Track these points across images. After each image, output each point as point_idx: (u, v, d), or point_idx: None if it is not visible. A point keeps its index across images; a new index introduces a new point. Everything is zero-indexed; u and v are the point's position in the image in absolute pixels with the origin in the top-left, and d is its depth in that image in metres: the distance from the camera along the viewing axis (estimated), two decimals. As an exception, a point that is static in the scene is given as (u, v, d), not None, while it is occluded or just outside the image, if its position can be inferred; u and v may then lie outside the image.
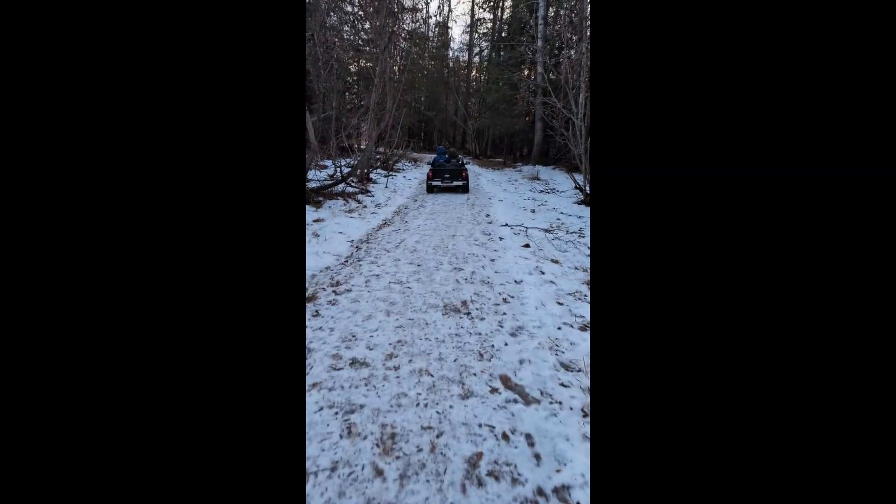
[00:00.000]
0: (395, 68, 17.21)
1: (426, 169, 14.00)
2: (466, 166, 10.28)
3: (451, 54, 26.13)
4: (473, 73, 25.72)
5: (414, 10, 19.19)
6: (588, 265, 4.14)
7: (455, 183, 9.31)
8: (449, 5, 27.12)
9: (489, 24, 22.77)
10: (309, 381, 2.00)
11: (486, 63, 22.85)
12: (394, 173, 11.39)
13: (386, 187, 9.02)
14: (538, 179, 11.83)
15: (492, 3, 21.85)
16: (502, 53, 16.64)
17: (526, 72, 15.92)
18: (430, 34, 24.49)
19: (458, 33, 33.00)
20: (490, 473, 1.48)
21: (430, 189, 9.50)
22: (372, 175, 9.97)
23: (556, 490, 1.42)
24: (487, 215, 6.60)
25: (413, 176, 11.80)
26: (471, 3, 24.02)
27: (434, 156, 11.02)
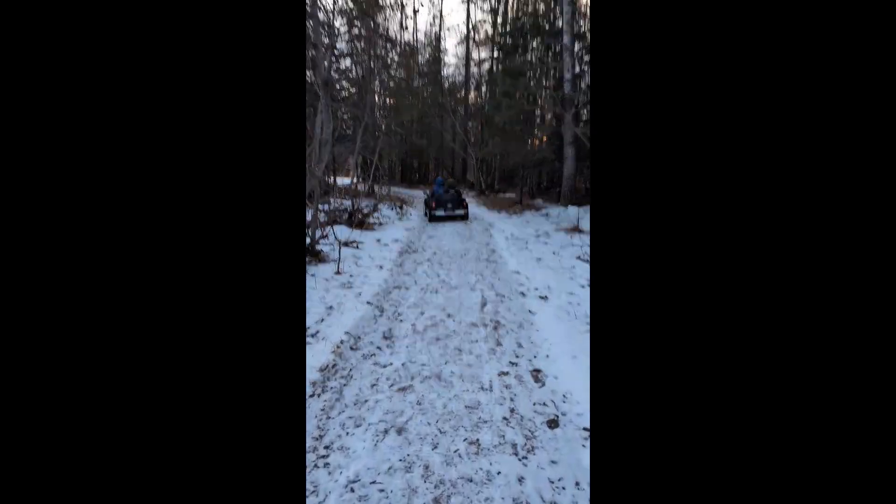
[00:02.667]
0: (374, 85, 13.96)
1: (416, 220, 10.45)
2: (469, 206, 11.03)
3: (445, 71, 23.06)
4: (472, 94, 22.57)
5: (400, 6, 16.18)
6: None
7: (457, 212, 10.21)
8: (441, 13, 24.15)
9: (489, 28, 19.65)
10: None
11: (486, 78, 19.60)
12: (361, 237, 7.71)
13: (337, 273, 5.32)
14: (581, 231, 8.16)
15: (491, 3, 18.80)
16: (507, 62, 13.35)
17: (534, 82, 12.58)
18: (419, 44, 21.49)
19: (451, 44, 30.21)
20: None
21: (433, 219, 10.23)
22: (323, 243, 6.29)
23: None
24: (538, 379, 2.85)
25: (394, 236, 8.12)
26: (466, 7, 21.03)
27: (434, 187, 11.60)
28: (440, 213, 10.06)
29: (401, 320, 3.86)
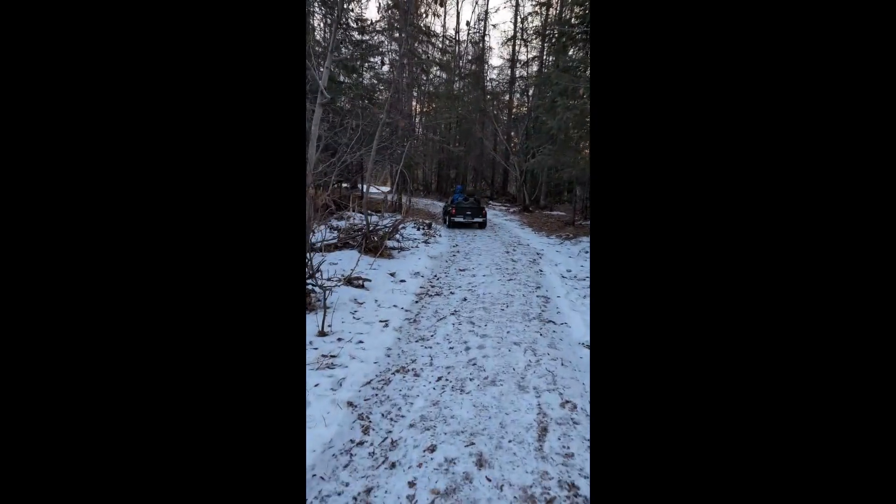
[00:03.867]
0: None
1: (445, 243, 8.77)
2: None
3: (489, 74, 21.36)
4: (515, 99, 20.79)
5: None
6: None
7: (476, 220, 10.76)
8: (486, 12, 22.48)
9: (539, 23, 17.78)
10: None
11: (534, 79, 17.74)
12: (371, 269, 6.10)
13: (321, 333, 3.68)
14: (662, 270, 6.21)
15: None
16: (560, 59, 11.53)
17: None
18: (461, 45, 19.89)
19: (495, 44, 28.61)
20: None
21: (452, 225, 10.90)
22: (323, 278, 4.69)
23: None
24: None
25: (414, 267, 6.46)
26: (514, 2, 19.29)
27: (454, 195, 12.08)
28: (459, 219, 10.72)
29: (393, 464, 2.14)
